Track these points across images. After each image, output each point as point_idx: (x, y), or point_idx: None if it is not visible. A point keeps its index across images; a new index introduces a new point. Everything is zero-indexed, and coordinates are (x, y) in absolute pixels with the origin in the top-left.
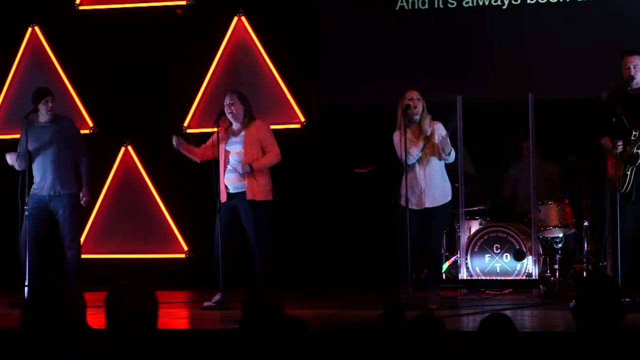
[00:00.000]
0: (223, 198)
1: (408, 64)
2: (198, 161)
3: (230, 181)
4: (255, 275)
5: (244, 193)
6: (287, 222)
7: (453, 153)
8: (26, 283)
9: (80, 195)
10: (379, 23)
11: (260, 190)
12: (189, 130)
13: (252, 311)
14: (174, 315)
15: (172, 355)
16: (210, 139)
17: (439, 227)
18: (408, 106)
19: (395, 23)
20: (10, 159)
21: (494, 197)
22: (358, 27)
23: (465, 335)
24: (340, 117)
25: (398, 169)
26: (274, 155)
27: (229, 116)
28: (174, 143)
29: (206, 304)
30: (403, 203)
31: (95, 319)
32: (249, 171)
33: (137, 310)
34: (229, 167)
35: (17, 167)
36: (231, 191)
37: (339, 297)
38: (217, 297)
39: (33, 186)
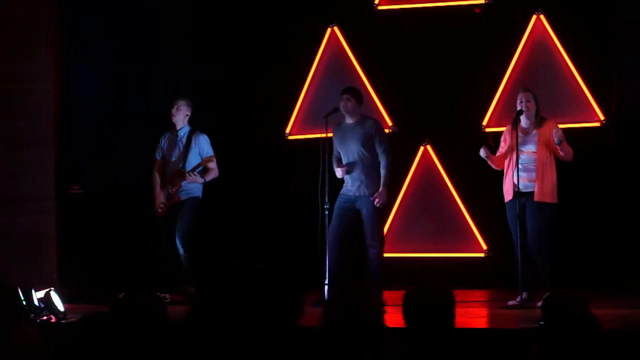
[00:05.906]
0: (509, 197)
1: None
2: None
3: (521, 180)
4: (540, 275)
5: (532, 193)
6: (586, 218)
7: None
8: (326, 282)
9: (375, 195)
10: None
11: (549, 191)
12: (487, 130)
13: (554, 311)
14: (473, 314)
15: (471, 354)
16: (503, 143)
17: None
18: None
19: None
20: (340, 173)
21: None
22: None
23: None
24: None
25: None
26: (570, 152)
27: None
28: (481, 154)
29: (510, 302)
30: None
31: (394, 317)
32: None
33: (434, 309)
34: (520, 166)
35: (339, 176)
36: (521, 190)
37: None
38: (520, 296)
39: (343, 186)
